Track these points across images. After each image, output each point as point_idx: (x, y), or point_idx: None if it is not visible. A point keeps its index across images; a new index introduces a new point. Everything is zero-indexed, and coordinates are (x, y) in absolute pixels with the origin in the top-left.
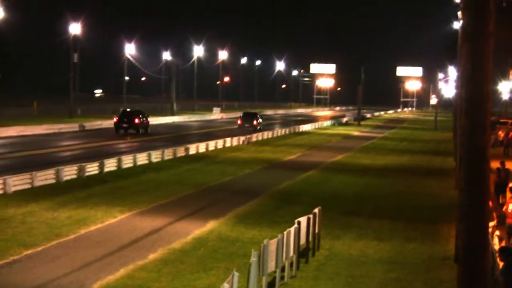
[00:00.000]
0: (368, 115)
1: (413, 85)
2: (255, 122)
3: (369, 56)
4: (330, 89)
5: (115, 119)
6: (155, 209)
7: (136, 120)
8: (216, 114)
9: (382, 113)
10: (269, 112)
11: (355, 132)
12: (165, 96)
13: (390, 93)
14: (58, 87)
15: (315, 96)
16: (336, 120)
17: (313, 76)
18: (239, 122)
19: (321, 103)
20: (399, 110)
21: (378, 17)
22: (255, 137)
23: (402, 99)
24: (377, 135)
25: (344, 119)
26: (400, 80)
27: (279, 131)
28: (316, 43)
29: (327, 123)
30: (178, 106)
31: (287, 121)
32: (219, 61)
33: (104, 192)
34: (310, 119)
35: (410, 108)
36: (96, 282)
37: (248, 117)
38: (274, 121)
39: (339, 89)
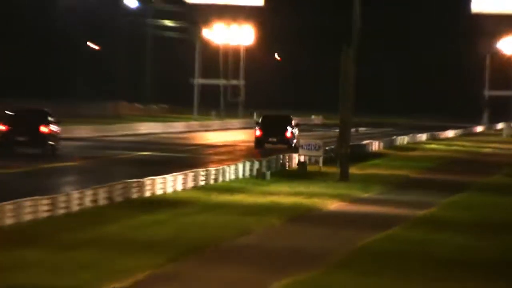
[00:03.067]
0: (374, 145)
1: None
2: (288, 134)
3: None
4: (246, 57)
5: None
6: None
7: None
8: None
9: (423, 136)
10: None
11: (329, 201)
12: None
13: (450, 73)
14: None
15: (197, 80)
16: (269, 160)
17: (193, 16)
18: (258, 133)
19: (217, 105)
20: (479, 127)
21: None
22: None
23: (487, 92)
24: (406, 213)
25: (297, 157)
26: (482, 29)
27: (73, 201)
28: None
29: (235, 169)
30: None
31: (102, 166)
32: None
33: None
34: (179, 158)
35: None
36: None
37: (275, 124)
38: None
39: (279, 58)
